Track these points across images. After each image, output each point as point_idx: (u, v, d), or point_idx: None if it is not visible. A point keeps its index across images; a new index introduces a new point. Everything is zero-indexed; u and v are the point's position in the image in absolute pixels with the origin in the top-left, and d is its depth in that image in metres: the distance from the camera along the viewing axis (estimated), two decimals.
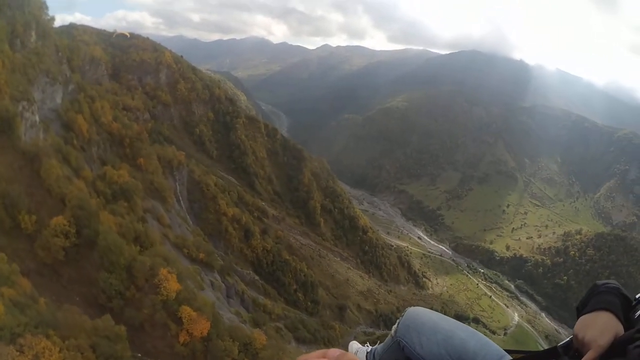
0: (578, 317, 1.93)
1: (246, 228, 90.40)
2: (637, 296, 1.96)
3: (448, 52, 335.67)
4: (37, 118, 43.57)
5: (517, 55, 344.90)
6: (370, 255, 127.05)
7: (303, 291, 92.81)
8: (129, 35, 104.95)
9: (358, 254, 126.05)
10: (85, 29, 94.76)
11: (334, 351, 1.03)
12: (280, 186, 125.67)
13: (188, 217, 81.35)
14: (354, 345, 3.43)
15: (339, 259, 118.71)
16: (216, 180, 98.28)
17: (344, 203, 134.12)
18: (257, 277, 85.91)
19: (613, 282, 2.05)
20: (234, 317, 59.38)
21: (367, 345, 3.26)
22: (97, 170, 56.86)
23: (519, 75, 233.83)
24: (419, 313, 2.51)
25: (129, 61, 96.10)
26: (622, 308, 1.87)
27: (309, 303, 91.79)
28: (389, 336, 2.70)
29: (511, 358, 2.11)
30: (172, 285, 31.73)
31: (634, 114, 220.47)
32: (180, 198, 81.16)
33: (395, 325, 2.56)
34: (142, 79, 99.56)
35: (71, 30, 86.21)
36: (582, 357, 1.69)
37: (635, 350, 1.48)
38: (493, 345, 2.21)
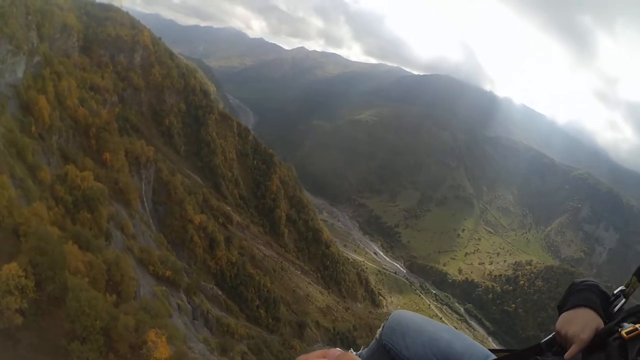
0: (559, 315, 1.98)
1: (212, 237, 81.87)
2: (614, 292, 2.00)
3: (421, 73, 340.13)
4: None
5: (488, 86, 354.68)
6: (331, 271, 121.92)
7: (265, 307, 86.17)
8: None
9: (319, 268, 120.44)
10: None
11: (334, 351, 1.04)
12: (247, 191, 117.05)
13: (151, 221, 71.33)
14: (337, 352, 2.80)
15: (300, 272, 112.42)
16: (182, 180, 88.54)
17: (309, 214, 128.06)
18: (220, 293, 77.85)
19: (591, 279, 2.09)
20: (203, 346, 51.89)
21: (351, 351, 2.90)
22: (56, 166, 46.32)
23: (487, 106, 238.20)
24: (403, 316, 2.46)
25: (103, 35, 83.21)
26: (601, 303, 1.92)
27: (270, 320, 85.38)
28: (374, 340, 2.62)
29: (496, 357, 2.12)
30: (162, 353, 23.89)
31: (591, 155, 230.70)
32: (145, 199, 70.91)
33: (380, 329, 2.50)
34: (115, 57, 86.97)
35: None
36: (565, 352, 1.73)
37: (615, 342, 1.53)
38: (478, 346, 2.22)
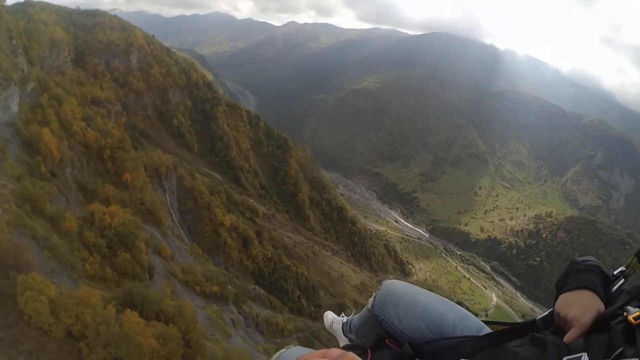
0: (558, 294, 1.86)
1: (244, 236, 76.89)
2: (614, 272, 1.90)
3: (418, 33, 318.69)
4: None
5: (488, 40, 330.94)
6: (360, 247, 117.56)
7: (306, 296, 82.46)
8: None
9: (348, 246, 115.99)
10: (43, 5, 70.22)
11: (334, 351, 1.00)
12: (266, 179, 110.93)
13: (182, 232, 65.77)
14: (329, 315, 3.33)
15: (330, 253, 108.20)
16: (202, 179, 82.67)
17: (331, 194, 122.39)
18: (262, 291, 73.69)
19: (592, 259, 1.96)
20: (265, 358, 48.16)
21: (343, 316, 3.13)
22: (76, 202, 40.07)
23: (490, 60, 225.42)
24: (395, 286, 2.33)
25: (95, 42, 74.51)
26: (602, 285, 1.81)
27: (312, 308, 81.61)
28: (365, 309, 2.51)
29: (490, 330, 2.04)
30: None
31: (598, 101, 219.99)
32: (172, 211, 65.00)
33: (372, 299, 2.37)
34: (110, 63, 78.58)
35: (27, 8, 62.92)
36: (564, 333, 1.62)
37: (619, 326, 1.44)
38: (472, 318, 2.13)
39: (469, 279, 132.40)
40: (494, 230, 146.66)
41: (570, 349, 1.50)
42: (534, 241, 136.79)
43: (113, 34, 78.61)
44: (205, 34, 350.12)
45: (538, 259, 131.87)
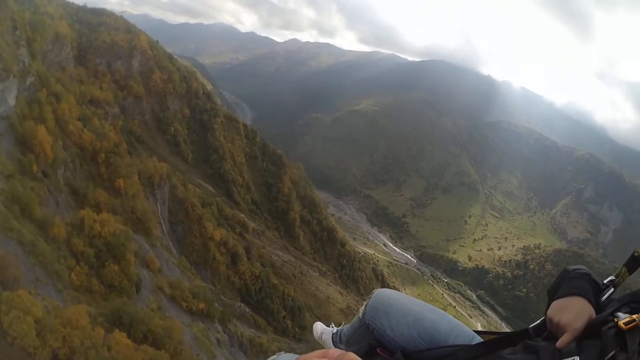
0: (550, 301, 1.88)
1: (233, 252, 74.89)
2: (605, 281, 1.93)
3: (417, 59, 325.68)
4: None
5: (485, 70, 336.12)
6: (348, 269, 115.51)
7: (291, 317, 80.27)
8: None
9: (336, 267, 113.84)
10: None
11: (334, 351, 0.99)
12: (259, 195, 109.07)
13: (171, 244, 63.49)
14: (319, 326, 3.27)
15: (318, 274, 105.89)
16: (195, 191, 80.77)
17: (322, 214, 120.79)
18: (247, 309, 71.45)
19: (583, 267, 1.99)
20: None
21: (332, 327, 3.09)
22: (66, 206, 38.06)
23: (486, 91, 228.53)
24: (386, 295, 2.31)
25: (98, 42, 73.20)
26: (593, 293, 1.85)
27: (297, 329, 79.46)
28: (356, 318, 2.50)
29: (482, 339, 2.03)
30: None
31: (590, 135, 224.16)
32: (162, 221, 62.82)
33: (363, 308, 2.35)
34: (112, 64, 77.20)
35: None
36: (556, 339, 1.65)
37: (610, 331, 1.49)
38: (464, 327, 2.14)
39: (455, 307, 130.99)
40: (481, 259, 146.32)
41: (562, 354, 1.54)
42: (521, 272, 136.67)
43: (117, 35, 77.49)
44: (207, 43, 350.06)
45: (525, 290, 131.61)
